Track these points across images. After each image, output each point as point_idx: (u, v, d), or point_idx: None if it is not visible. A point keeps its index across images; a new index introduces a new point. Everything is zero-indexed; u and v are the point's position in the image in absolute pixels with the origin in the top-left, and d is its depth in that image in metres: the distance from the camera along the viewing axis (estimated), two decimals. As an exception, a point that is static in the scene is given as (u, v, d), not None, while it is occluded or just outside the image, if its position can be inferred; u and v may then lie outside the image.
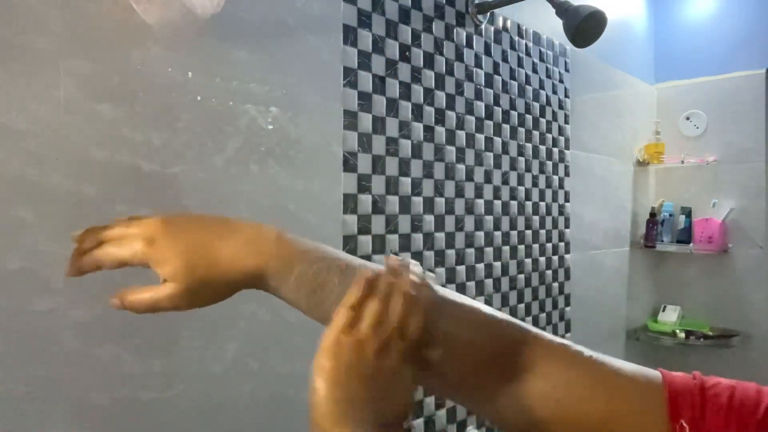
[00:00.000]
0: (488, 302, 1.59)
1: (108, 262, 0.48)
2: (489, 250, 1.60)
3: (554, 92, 1.88)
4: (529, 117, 1.77)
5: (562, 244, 1.91)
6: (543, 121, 1.83)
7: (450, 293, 0.52)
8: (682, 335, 2.31)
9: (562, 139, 1.92)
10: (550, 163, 1.86)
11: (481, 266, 1.57)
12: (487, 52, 1.61)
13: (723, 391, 0.46)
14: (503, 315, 0.54)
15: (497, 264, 1.63)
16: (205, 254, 0.47)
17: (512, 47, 1.70)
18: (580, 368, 0.50)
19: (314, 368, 0.43)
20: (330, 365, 0.43)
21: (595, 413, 0.48)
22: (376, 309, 0.46)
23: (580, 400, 0.48)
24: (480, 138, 1.57)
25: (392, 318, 0.46)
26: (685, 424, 0.45)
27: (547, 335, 0.53)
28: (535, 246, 1.79)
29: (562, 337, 1.89)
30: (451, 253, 1.47)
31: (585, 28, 1.42)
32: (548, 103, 1.85)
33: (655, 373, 0.49)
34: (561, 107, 1.91)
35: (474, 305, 0.53)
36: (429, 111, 1.41)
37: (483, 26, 1.58)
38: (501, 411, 0.52)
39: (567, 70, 1.94)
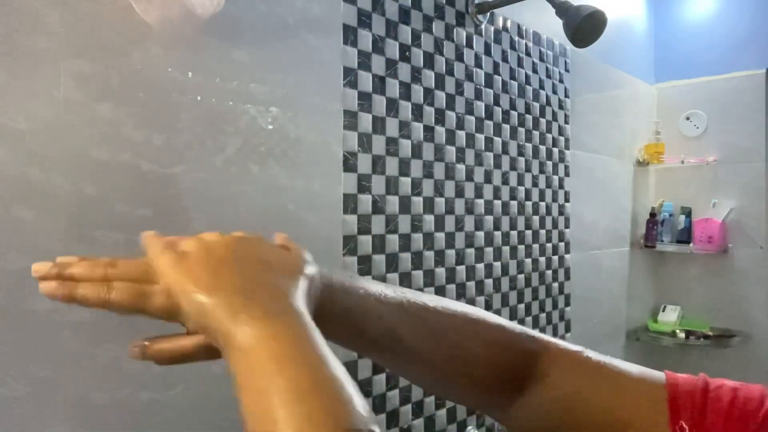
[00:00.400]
0: (488, 302, 1.59)
1: (120, 308, 0.42)
2: (489, 250, 1.60)
3: (554, 92, 1.88)
4: (529, 117, 1.76)
5: (562, 244, 1.91)
6: (543, 121, 1.83)
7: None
8: (682, 335, 2.31)
9: (562, 139, 1.92)
10: (550, 163, 1.86)
11: (481, 266, 1.57)
12: (487, 52, 1.61)
13: (726, 393, 0.46)
14: (516, 325, 0.53)
15: (497, 264, 1.63)
16: None
17: (512, 47, 1.70)
18: (588, 373, 0.51)
19: (185, 297, 0.38)
20: (194, 275, 0.38)
21: (599, 416, 0.48)
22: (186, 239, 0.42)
23: (586, 404, 0.49)
24: (480, 138, 1.57)
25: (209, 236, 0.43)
26: (684, 425, 0.45)
27: (560, 342, 0.53)
28: (535, 246, 1.79)
29: (562, 337, 1.89)
30: (451, 253, 1.47)
31: (585, 28, 1.42)
32: (548, 103, 1.85)
33: (659, 375, 0.49)
34: (561, 107, 1.91)
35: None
36: (429, 111, 1.41)
37: (483, 26, 1.58)
38: (510, 418, 0.53)
39: (567, 70, 1.94)
